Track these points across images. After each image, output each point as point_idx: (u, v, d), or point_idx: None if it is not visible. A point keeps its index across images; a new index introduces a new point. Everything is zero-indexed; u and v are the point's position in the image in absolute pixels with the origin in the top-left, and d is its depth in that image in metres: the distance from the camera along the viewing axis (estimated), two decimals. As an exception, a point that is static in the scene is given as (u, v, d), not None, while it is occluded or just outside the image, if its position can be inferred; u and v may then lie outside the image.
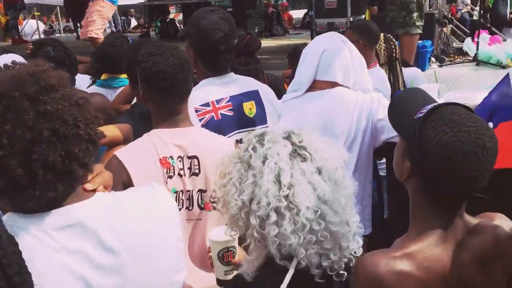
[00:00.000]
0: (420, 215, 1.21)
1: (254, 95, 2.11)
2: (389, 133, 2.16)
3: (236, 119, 2.01)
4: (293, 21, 15.03)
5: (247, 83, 2.15)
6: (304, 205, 1.18)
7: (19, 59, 1.37)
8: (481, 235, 1.20)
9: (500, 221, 1.25)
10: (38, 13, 10.81)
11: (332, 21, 6.72)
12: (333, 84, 2.26)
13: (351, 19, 6.53)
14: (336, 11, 6.65)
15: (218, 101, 2.01)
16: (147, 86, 1.70)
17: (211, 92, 2.02)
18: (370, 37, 3.21)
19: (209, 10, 2.16)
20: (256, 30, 9.96)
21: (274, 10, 11.32)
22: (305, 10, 11.15)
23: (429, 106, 1.19)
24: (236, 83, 2.12)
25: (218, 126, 1.95)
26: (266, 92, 2.18)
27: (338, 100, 2.22)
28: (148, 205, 1.10)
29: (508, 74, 1.76)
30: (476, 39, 5.84)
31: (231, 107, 2.03)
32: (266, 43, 8.69)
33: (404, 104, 1.30)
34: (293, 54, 3.63)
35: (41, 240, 0.93)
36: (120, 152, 1.67)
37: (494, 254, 1.20)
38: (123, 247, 0.99)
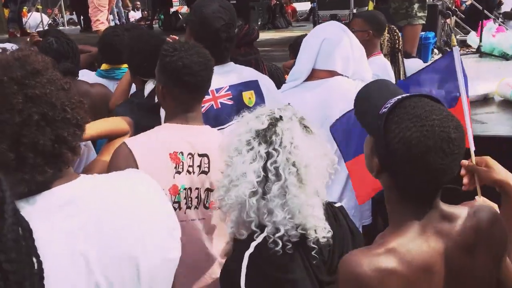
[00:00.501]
0: (395, 210, 1.22)
1: (253, 85, 2.12)
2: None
3: (235, 108, 2.03)
4: (297, 14, 14.99)
5: (247, 73, 2.17)
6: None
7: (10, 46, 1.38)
8: (459, 221, 1.20)
9: (480, 206, 1.27)
10: (40, 6, 10.77)
11: (335, 13, 6.72)
12: (332, 73, 2.27)
13: (354, 10, 6.53)
14: (339, 3, 6.66)
15: (217, 90, 2.03)
16: (170, 80, 1.69)
17: (211, 80, 2.05)
18: (379, 28, 3.28)
19: None
20: (259, 22, 9.93)
21: (277, 2, 11.28)
22: (309, 3, 11.11)
23: (393, 100, 1.17)
24: (235, 73, 2.14)
25: (218, 114, 1.97)
26: (265, 82, 2.19)
27: (337, 89, 2.23)
28: (135, 183, 1.12)
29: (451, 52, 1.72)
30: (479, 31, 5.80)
31: (231, 96, 2.05)
32: (269, 35, 8.66)
33: (369, 97, 1.29)
34: (294, 46, 3.65)
35: (36, 223, 0.94)
36: (130, 141, 1.67)
37: (477, 239, 1.20)
38: (114, 222, 1.01)
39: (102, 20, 6.39)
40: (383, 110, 1.17)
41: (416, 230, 1.17)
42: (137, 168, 1.57)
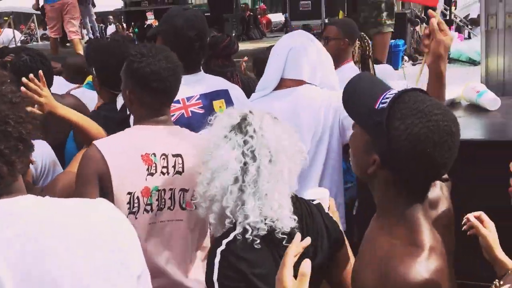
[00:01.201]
0: (393, 206, 1.21)
1: (224, 94, 2.16)
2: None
3: (206, 117, 2.05)
4: (272, 25, 15.14)
5: (217, 82, 2.20)
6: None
7: None
8: (441, 206, 1.28)
9: (441, 186, 1.34)
10: (6, 17, 10.60)
11: (307, 23, 6.83)
12: (300, 82, 2.30)
13: (326, 20, 6.64)
14: (311, 13, 6.78)
15: (188, 99, 2.06)
16: (137, 85, 1.70)
17: (182, 89, 2.07)
18: (353, 36, 3.36)
19: (181, 8, 2.22)
20: (233, 34, 10.00)
21: (251, 14, 11.40)
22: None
23: (390, 95, 1.16)
24: (206, 82, 2.17)
25: (188, 123, 1.99)
26: (236, 92, 2.23)
27: (305, 97, 2.27)
28: (93, 210, 1.05)
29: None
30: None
31: (201, 105, 2.08)
32: (243, 46, 8.70)
33: (359, 91, 1.26)
34: (255, 60, 3.73)
35: None
36: (100, 143, 1.64)
37: (450, 218, 1.29)
38: (43, 245, 0.94)
39: (74, 30, 6.41)
40: (381, 105, 1.15)
41: (424, 222, 1.19)
42: (108, 170, 1.58)
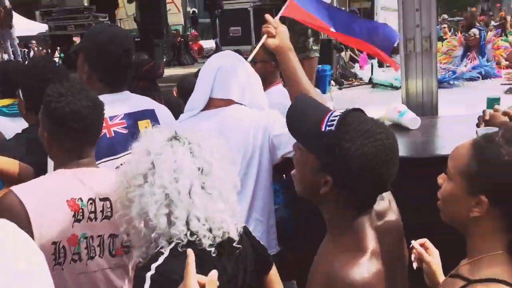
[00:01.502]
0: (342, 221, 1.25)
1: (150, 114, 2.09)
2: (286, 148, 2.22)
3: (130, 137, 1.97)
4: (204, 51, 15.26)
5: (143, 102, 2.14)
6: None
7: None
8: (386, 218, 1.33)
9: (389, 200, 1.40)
10: None
11: (238, 49, 6.93)
12: (229, 102, 2.29)
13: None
14: (241, 39, 6.89)
15: (111, 118, 1.97)
16: (55, 126, 1.59)
17: (105, 108, 2.00)
18: None
19: (107, 25, 2.15)
20: (164, 59, 9.96)
21: (182, 40, 11.43)
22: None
23: (334, 117, 1.22)
24: (131, 101, 2.10)
25: (111, 143, 1.91)
26: (163, 112, 2.17)
27: (234, 117, 2.25)
28: None
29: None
30: (365, 64, 6.29)
31: (125, 125, 2.00)
32: (174, 71, 8.70)
33: (302, 117, 1.30)
34: (180, 85, 3.71)
35: None
36: (19, 189, 1.50)
37: (399, 228, 1.37)
38: None
39: None
40: (328, 128, 1.20)
41: (369, 230, 1.25)
42: (28, 220, 1.43)
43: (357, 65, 6.80)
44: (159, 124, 2.08)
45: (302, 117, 1.30)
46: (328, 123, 1.21)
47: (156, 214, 1.30)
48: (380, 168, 1.18)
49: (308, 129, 1.25)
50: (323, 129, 1.20)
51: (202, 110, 2.30)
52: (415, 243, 1.50)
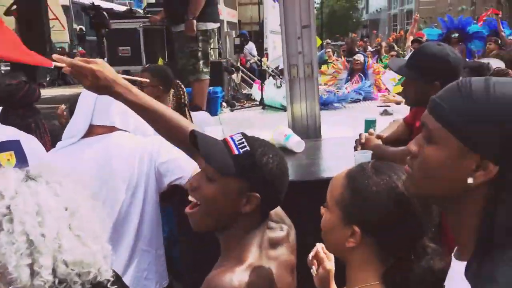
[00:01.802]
0: (233, 239, 1.32)
1: (13, 145, 1.94)
2: (173, 175, 2.17)
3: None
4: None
5: (4, 133, 1.98)
6: None
7: None
8: (282, 247, 1.41)
9: (288, 233, 1.47)
10: None
11: (127, 69, 6.70)
12: (112, 129, 2.20)
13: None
14: (131, 59, 6.66)
15: None
16: None
17: None
18: (167, 82, 3.36)
19: None
20: (47, 79, 9.39)
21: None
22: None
23: (239, 140, 1.32)
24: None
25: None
26: (30, 141, 2.04)
27: (117, 144, 2.16)
28: None
29: None
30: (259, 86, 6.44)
31: None
32: (59, 91, 8.24)
33: (209, 148, 1.33)
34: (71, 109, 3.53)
35: None
36: None
37: (290, 261, 1.44)
38: None
39: None
40: (243, 149, 1.29)
41: (256, 247, 1.31)
42: None
43: (255, 85, 6.92)
44: (25, 156, 1.94)
45: (209, 149, 1.33)
46: (238, 146, 1.29)
47: (16, 265, 1.17)
48: (282, 178, 1.33)
49: (221, 158, 1.29)
50: (237, 153, 1.28)
51: (83, 137, 2.18)
52: (319, 247, 1.53)
